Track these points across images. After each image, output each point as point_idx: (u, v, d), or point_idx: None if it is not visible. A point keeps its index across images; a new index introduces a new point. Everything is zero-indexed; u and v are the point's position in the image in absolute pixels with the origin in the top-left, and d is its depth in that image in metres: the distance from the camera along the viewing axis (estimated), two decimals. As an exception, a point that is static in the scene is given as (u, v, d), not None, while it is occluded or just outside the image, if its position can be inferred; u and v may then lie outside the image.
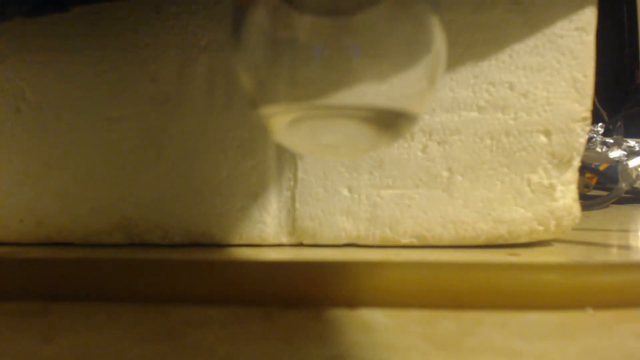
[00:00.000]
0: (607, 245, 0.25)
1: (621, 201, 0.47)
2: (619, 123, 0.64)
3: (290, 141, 0.13)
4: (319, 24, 0.12)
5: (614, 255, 0.23)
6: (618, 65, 0.90)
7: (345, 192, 0.24)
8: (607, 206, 0.45)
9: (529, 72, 0.23)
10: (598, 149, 0.58)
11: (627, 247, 0.26)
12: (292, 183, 0.24)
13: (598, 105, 0.67)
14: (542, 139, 0.23)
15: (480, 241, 0.24)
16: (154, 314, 0.14)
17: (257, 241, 0.25)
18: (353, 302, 0.14)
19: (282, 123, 0.13)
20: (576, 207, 0.23)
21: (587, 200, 0.43)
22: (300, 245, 0.24)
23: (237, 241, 0.25)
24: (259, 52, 0.12)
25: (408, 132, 0.13)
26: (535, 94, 0.23)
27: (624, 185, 0.44)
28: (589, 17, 0.23)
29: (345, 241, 0.24)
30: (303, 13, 0.12)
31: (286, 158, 0.24)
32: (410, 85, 0.12)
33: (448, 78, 0.23)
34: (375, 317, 0.13)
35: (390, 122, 0.13)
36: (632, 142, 0.58)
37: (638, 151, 0.55)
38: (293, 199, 0.24)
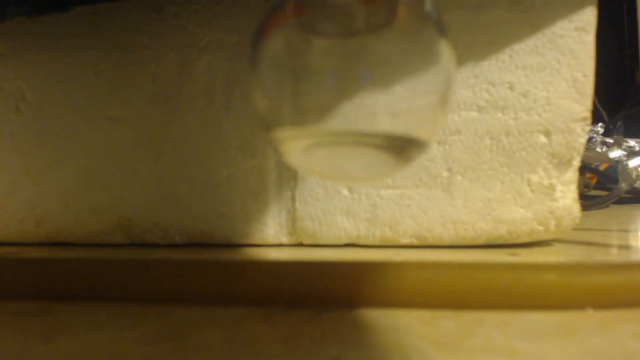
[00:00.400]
0: (607, 245, 0.25)
1: (621, 201, 0.47)
2: (619, 123, 0.64)
3: (302, 167, 0.13)
4: (331, 48, 0.12)
5: (614, 255, 0.23)
6: (618, 65, 0.90)
7: (345, 192, 0.24)
8: (607, 206, 0.45)
9: (529, 72, 0.23)
10: (598, 149, 0.59)
11: (627, 247, 0.26)
12: (292, 183, 0.24)
13: (598, 105, 0.67)
14: (542, 139, 0.23)
15: (480, 241, 0.24)
16: (154, 314, 0.14)
17: (257, 241, 0.25)
18: (353, 302, 0.14)
19: (295, 149, 0.13)
20: (576, 207, 0.23)
21: (587, 200, 0.43)
22: (300, 245, 0.24)
23: (237, 241, 0.25)
24: (273, 77, 0.12)
25: (420, 157, 0.13)
26: (535, 94, 0.23)
27: (624, 185, 0.44)
28: (589, 17, 0.23)
29: (345, 241, 0.24)
30: (316, 38, 0.12)
31: (286, 158, 0.24)
32: (422, 109, 0.12)
33: (448, 78, 0.23)
34: (375, 317, 0.13)
35: (402, 148, 0.13)
36: (632, 142, 0.58)
37: (638, 151, 0.55)
38: (293, 199, 0.24)
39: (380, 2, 0.12)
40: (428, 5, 0.12)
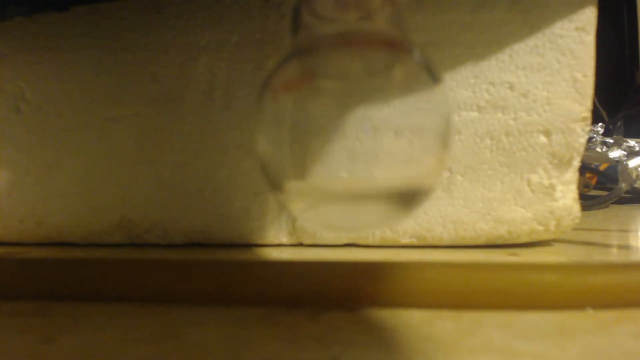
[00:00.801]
0: (607, 245, 0.25)
1: (621, 201, 0.47)
2: (619, 123, 0.64)
3: (310, 222, 0.13)
4: (333, 102, 0.12)
5: (614, 255, 0.23)
6: (618, 65, 0.90)
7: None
8: (607, 206, 0.45)
9: (529, 72, 0.23)
10: (598, 149, 0.59)
11: (627, 247, 0.26)
12: (292, 183, 0.24)
13: (598, 105, 0.67)
14: (542, 139, 0.23)
15: (480, 241, 0.24)
16: (154, 314, 0.14)
17: (257, 241, 0.25)
18: (353, 302, 0.14)
19: (301, 205, 0.13)
20: (576, 207, 0.23)
21: (587, 200, 0.43)
22: (300, 245, 0.24)
23: (237, 241, 0.25)
24: (277, 132, 0.13)
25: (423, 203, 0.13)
26: (535, 94, 0.23)
27: (624, 185, 0.44)
28: (589, 17, 0.23)
29: (345, 241, 0.24)
30: (321, 95, 0.12)
31: (286, 158, 0.24)
32: (425, 158, 0.12)
33: (448, 78, 0.23)
34: (376, 317, 0.13)
35: (407, 200, 0.13)
36: (632, 142, 0.58)
37: (638, 151, 0.55)
38: (293, 199, 0.24)
39: (381, 49, 0.13)
40: (419, 55, 0.13)
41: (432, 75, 0.13)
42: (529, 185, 0.23)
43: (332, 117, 0.12)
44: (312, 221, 0.13)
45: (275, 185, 0.13)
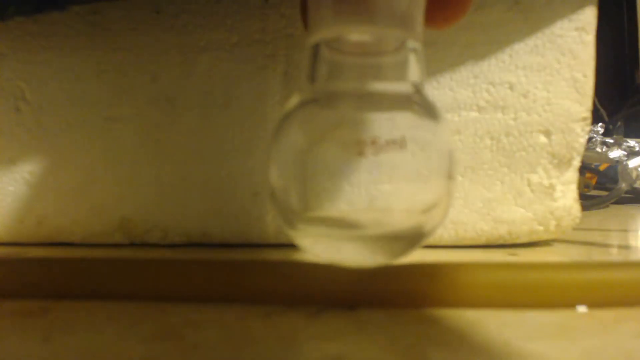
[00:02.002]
0: (607, 245, 0.25)
1: (621, 201, 0.47)
2: (619, 123, 0.64)
3: (314, 255, 0.14)
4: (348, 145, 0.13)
5: (614, 255, 0.23)
6: (618, 65, 0.90)
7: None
8: (607, 206, 0.45)
9: (529, 72, 0.23)
10: (598, 149, 0.59)
11: (627, 247, 0.26)
12: (292, 183, 0.24)
13: (598, 105, 0.67)
14: (542, 139, 0.23)
15: (481, 241, 0.24)
16: (154, 314, 0.14)
17: (257, 241, 0.25)
18: (353, 302, 0.14)
19: (307, 239, 0.14)
20: (576, 207, 0.23)
21: (587, 200, 0.43)
22: (300, 245, 0.24)
23: (237, 241, 0.25)
24: (289, 165, 0.13)
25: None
26: (535, 94, 0.23)
27: (624, 185, 0.44)
28: (589, 17, 0.23)
29: (345, 241, 0.24)
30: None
31: (286, 158, 0.24)
32: (431, 197, 0.13)
33: (448, 78, 0.23)
34: (376, 317, 0.14)
35: (417, 237, 0.14)
36: (632, 142, 0.58)
37: (638, 151, 0.55)
38: (293, 199, 0.24)
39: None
40: (424, 98, 0.14)
41: (435, 116, 0.13)
42: (529, 185, 0.23)
43: (345, 161, 0.13)
44: (320, 255, 0.13)
45: (285, 217, 0.13)
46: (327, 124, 0.13)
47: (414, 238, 0.14)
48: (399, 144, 0.13)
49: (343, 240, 0.14)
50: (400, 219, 0.13)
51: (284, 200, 0.13)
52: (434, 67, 0.23)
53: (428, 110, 0.13)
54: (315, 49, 0.13)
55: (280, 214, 0.14)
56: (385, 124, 0.13)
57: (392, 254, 0.14)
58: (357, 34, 0.13)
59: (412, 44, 0.13)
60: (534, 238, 0.24)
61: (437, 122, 0.13)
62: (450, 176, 0.13)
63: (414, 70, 0.13)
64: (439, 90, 0.23)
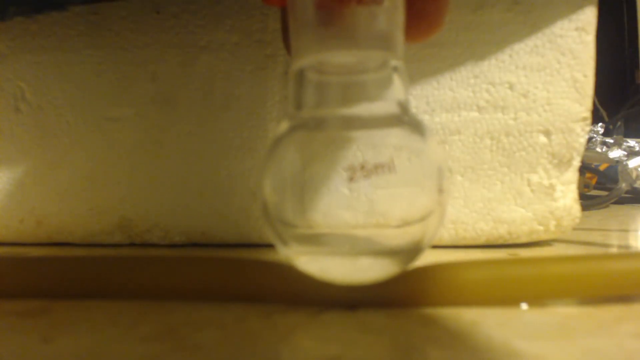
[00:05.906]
0: (607, 245, 0.25)
1: (621, 201, 0.47)
2: (619, 123, 0.64)
3: (306, 270, 0.14)
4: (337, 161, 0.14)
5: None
6: (618, 65, 0.90)
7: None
8: (607, 206, 0.45)
9: (529, 72, 0.23)
10: (598, 149, 0.59)
11: (626, 247, 0.26)
12: (292, 183, 0.24)
13: (598, 105, 0.67)
14: (542, 139, 0.23)
15: (481, 241, 0.24)
16: (154, 314, 0.14)
17: (257, 241, 0.25)
18: (353, 302, 0.14)
19: (299, 255, 0.14)
20: (576, 207, 0.23)
21: (587, 200, 0.43)
22: (300, 245, 0.24)
23: (237, 241, 0.25)
24: (282, 181, 0.14)
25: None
26: (535, 94, 0.23)
27: (624, 185, 0.44)
28: (589, 17, 0.23)
29: (345, 241, 0.24)
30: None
31: (286, 158, 0.24)
32: (423, 211, 0.13)
33: (448, 78, 0.23)
34: (376, 317, 0.14)
35: (411, 252, 0.14)
36: (632, 142, 0.58)
37: (638, 151, 0.55)
38: (293, 199, 0.24)
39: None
40: (410, 116, 0.14)
41: (422, 133, 0.14)
42: (529, 185, 0.23)
43: (336, 183, 0.14)
44: (312, 270, 0.14)
45: (277, 232, 0.13)
46: (318, 147, 0.14)
47: (408, 253, 0.14)
48: (388, 165, 0.13)
49: (335, 257, 0.14)
50: (392, 235, 0.14)
51: (275, 213, 0.14)
52: (434, 67, 0.23)
53: (415, 127, 0.14)
54: (300, 74, 0.14)
55: (271, 229, 0.14)
56: (372, 146, 0.13)
57: (385, 270, 0.14)
58: (341, 57, 0.13)
59: (394, 62, 0.13)
60: (534, 238, 0.24)
61: (425, 138, 0.14)
62: (441, 190, 0.13)
63: (398, 88, 0.14)
64: (439, 90, 0.23)
